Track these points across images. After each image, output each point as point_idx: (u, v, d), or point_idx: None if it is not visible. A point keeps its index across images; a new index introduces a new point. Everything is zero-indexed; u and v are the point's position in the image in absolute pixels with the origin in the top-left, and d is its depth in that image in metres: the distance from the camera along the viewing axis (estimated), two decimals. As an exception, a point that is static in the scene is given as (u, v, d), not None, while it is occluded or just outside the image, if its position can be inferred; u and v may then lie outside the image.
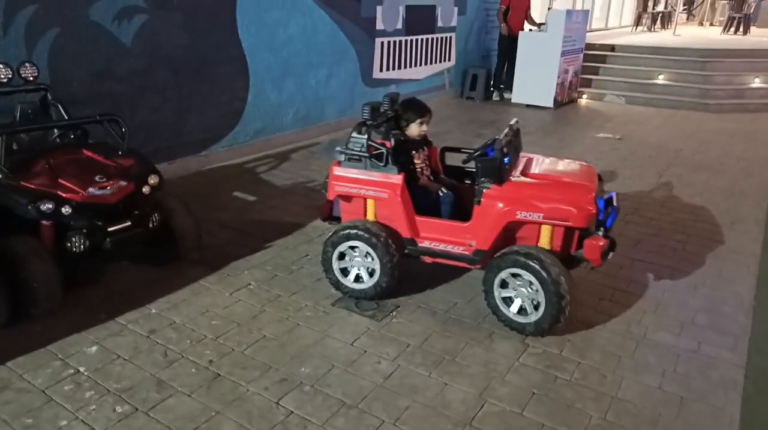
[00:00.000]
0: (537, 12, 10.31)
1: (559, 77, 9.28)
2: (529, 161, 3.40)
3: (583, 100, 10.30)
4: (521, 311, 3.07)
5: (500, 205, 3.03)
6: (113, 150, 3.65)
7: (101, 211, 3.25)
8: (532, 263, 2.92)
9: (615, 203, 3.15)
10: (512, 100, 9.70)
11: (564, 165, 3.46)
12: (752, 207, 5.04)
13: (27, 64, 3.88)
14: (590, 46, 10.72)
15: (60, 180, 3.21)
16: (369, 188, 3.28)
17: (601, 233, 3.01)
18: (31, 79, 3.90)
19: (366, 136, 3.25)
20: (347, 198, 3.45)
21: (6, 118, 3.95)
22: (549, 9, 10.11)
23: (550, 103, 9.37)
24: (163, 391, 2.62)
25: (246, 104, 6.25)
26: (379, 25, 7.87)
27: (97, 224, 3.24)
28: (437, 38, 9.22)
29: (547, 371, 2.82)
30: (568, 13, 9.15)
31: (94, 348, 2.92)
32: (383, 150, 3.21)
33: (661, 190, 5.50)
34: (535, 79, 9.35)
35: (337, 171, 3.36)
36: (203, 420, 2.44)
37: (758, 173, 6.05)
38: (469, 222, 3.15)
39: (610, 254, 3.08)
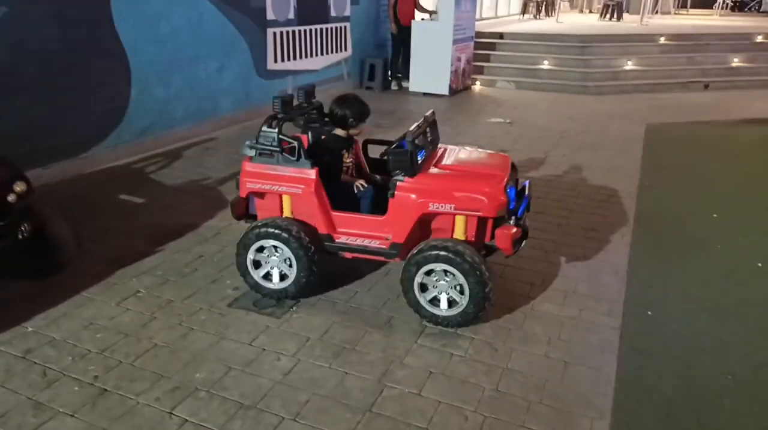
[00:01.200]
0: (428, 1, 10.53)
1: (452, 65, 9.55)
2: (445, 152, 3.39)
3: (477, 87, 10.69)
4: (435, 301, 3.09)
5: (413, 197, 3.02)
6: (-30, 157, 3.31)
7: (-42, 225, 2.95)
8: (455, 257, 2.92)
9: (527, 192, 3.23)
10: (410, 89, 9.88)
11: (478, 155, 3.48)
12: (626, 181, 5.48)
13: None
14: (481, 34, 11.13)
15: None
16: (282, 184, 3.19)
17: (512, 222, 3.04)
18: None
19: (277, 130, 3.14)
20: (261, 195, 3.34)
21: None
22: (439, -2, 10.33)
23: (445, 91, 9.63)
24: (42, 414, 2.42)
25: (129, 101, 5.89)
26: (270, 15, 7.69)
27: (-46, 239, 2.94)
28: (331, 28, 9.17)
29: (443, 349, 2.92)
30: (457, 1, 9.42)
31: (-41, 376, 2.65)
32: (295, 144, 3.12)
33: (547, 169, 5.84)
34: (429, 67, 9.57)
35: (249, 167, 3.23)
36: (88, 440, 2.30)
37: (632, 149, 6.58)
38: (384, 216, 3.12)
39: (523, 243, 3.12)
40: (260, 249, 3.26)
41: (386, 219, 3.13)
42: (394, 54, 10.22)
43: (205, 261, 3.77)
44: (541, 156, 6.29)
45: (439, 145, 3.48)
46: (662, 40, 11.46)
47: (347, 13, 9.51)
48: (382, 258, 3.28)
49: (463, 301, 3.01)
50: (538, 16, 17.23)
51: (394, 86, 10.34)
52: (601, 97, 9.78)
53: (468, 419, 2.46)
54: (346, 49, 9.70)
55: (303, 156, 3.14)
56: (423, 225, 3.18)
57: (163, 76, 6.25)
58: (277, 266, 3.27)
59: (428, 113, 3.47)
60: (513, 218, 3.06)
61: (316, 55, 8.90)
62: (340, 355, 2.86)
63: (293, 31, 8.24)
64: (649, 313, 3.31)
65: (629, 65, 10.76)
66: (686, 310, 3.35)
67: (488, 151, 3.64)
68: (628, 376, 2.77)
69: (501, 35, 11.64)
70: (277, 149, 3.15)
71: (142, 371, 2.70)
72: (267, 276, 3.31)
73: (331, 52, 9.28)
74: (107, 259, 3.74)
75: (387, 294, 3.41)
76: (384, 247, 3.18)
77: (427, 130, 3.31)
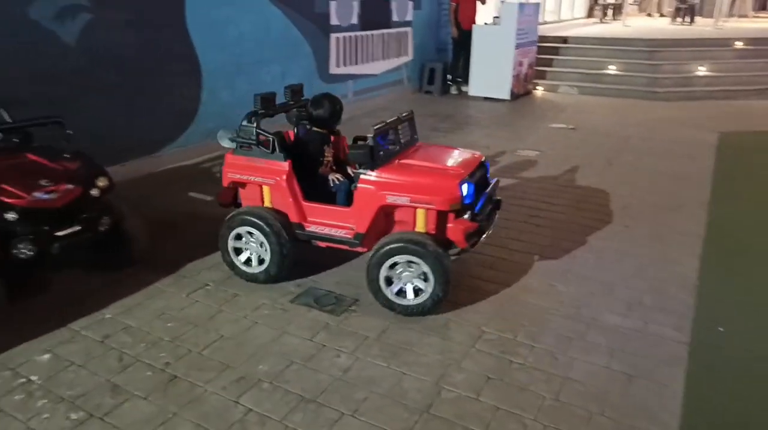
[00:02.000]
0: (490, 5, 10.44)
1: (514, 70, 9.44)
2: (418, 149, 3.55)
3: (539, 92, 10.51)
4: (401, 293, 3.21)
5: (373, 189, 3.20)
6: (58, 153, 3.55)
7: (48, 216, 3.16)
8: (422, 250, 3.06)
9: (489, 190, 3.38)
10: (469, 93, 9.83)
11: (449, 153, 3.57)
12: (696, 190, 5.25)
13: (-37, 67, 3.74)
14: (544, 39, 10.94)
15: (3, 185, 3.11)
16: (258, 175, 3.43)
17: (467, 217, 3.14)
18: (-31, 82, 3.77)
19: (255, 125, 3.37)
20: (243, 185, 3.58)
21: (-57, 123, 3.80)
22: (502, 2, 10.23)
23: (506, 96, 9.53)
24: (118, 396, 2.58)
25: (199, 104, 6.15)
26: (334, 21, 7.85)
27: (43, 229, 3.16)
28: (393, 33, 9.25)
29: (501, 356, 2.90)
30: (520, 6, 9.31)
31: (45, 356, 2.85)
32: (270, 138, 3.35)
33: (610, 176, 5.67)
34: (490, 72, 9.49)
35: (230, 159, 3.51)
36: (159, 423, 2.42)
37: (702, 157, 6.30)
38: (350, 207, 3.32)
39: (483, 237, 3.26)
40: (239, 236, 3.54)
41: (351, 210, 3.31)
42: (454, 58, 10.21)
43: (268, 258, 3.88)
44: (604, 162, 6.12)
45: (418, 143, 3.65)
46: (738, 44, 10.89)
47: (409, 17, 9.58)
48: (347, 247, 3.43)
49: (429, 288, 3.12)
50: (603, 20, 16.75)
51: (453, 90, 10.31)
52: (669, 104, 9.40)
53: (527, 426, 2.43)
54: (406, 54, 9.77)
55: (277, 149, 3.36)
56: (387, 217, 3.34)
57: (230, 80, 6.49)
58: (253, 251, 3.52)
59: (405, 112, 3.62)
60: (469, 212, 3.15)
61: (377, 59, 9.01)
62: (398, 355, 2.89)
63: (355, 37, 8.37)
64: (721, 329, 3.17)
65: (701, 71, 10.29)
66: (759, 326, 3.18)
67: (462, 149, 3.69)
68: (696, 393, 2.66)
69: (565, 39, 11.40)
70: (254, 142, 3.37)
71: (210, 360, 2.83)
72: (249, 261, 3.57)
73: (392, 56, 9.37)
74: (177, 253, 3.92)
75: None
76: (348, 236, 3.35)
77: (399, 127, 3.48)
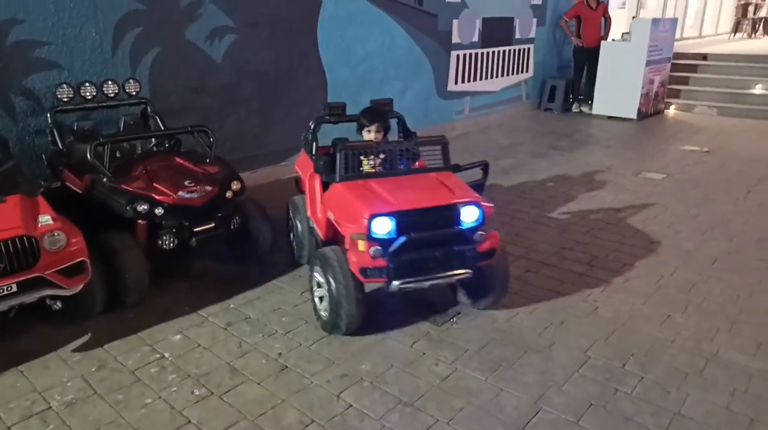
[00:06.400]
0: (623, 21, 10.00)
1: (643, 88, 8.95)
2: (421, 178, 3.28)
3: (671, 112, 9.85)
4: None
5: (324, 200, 3.43)
6: (201, 158, 4.00)
7: (189, 213, 3.57)
8: (318, 258, 3.16)
9: (427, 235, 2.94)
10: (593, 112, 9.45)
11: (424, 186, 3.22)
12: None
13: (131, 81, 4.35)
14: (680, 55, 10.26)
15: (155, 184, 3.57)
16: (303, 169, 3.97)
17: (372, 251, 2.89)
18: (134, 93, 4.37)
19: (313, 128, 3.95)
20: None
21: (111, 128, 4.43)
22: (633, 18, 9.75)
23: (633, 115, 9.05)
24: (236, 378, 2.84)
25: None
26: (455, 39, 7.98)
27: (184, 223, 3.57)
28: (514, 50, 9.18)
29: (606, 383, 2.79)
30: (654, 21, 8.83)
31: (177, 336, 3.21)
32: (313, 143, 3.94)
33: (748, 206, 5.19)
34: (617, 90, 9.07)
35: (301, 154, 4.14)
36: (270, 406, 2.64)
37: None
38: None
39: (407, 284, 2.98)
40: None
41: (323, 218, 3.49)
42: (575, 75, 9.86)
43: (377, 265, 4.05)
44: (743, 190, 5.61)
45: (446, 173, 3.33)
46: None
47: (532, 35, 9.45)
48: None
49: (327, 308, 3.11)
50: (754, 35, 15.30)
51: (575, 108, 9.96)
52: (829, 128, 8.37)
53: (628, 458, 2.33)
54: (527, 71, 9.63)
55: (313, 152, 3.87)
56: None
57: (354, 96, 6.81)
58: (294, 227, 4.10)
59: (437, 136, 3.48)
60: (377, 248, 2.88)
61: (497, 76, 8.98)
62: (497, 370, 2.89)
63: (476, 54, 8.43)
64: None
65: None
66: None
67: (458, 186, 3.20)
68: (835, 449, 2.38)
69: (704, 56, 10.58)
70: (306, 142, 3.98)
71: (318, 355, 3.02)
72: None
73: (512, 73, 9.29)
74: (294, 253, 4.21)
75: (550, 318, 3.35)
76: (322, 240, 3.51)
77: (403, 150, 3.36)
